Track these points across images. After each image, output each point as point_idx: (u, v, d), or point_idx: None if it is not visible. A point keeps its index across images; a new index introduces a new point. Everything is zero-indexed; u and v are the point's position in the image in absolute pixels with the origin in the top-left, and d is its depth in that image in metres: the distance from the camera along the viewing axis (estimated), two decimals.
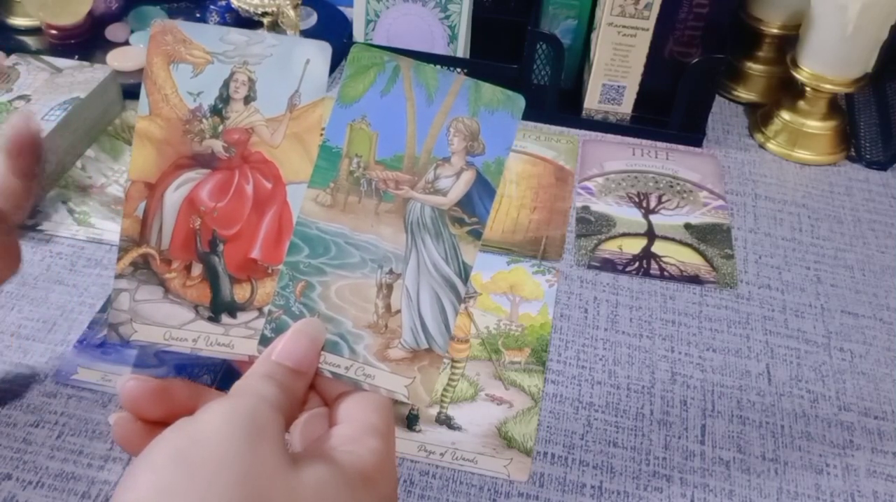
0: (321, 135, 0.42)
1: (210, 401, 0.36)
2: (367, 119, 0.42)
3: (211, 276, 0.43)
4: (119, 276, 0.43)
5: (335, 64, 0.87)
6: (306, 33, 0.97)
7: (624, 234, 0.75)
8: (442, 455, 0.57)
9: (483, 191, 0.42)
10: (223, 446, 0.33)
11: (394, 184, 0.42)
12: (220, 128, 0.42)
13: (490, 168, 0.42)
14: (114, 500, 0.33)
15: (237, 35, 0.42)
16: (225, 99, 0.42)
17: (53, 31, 0.93)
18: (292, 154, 0.42)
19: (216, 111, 0.42)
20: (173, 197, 0.42)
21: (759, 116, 0.90)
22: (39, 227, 0.72)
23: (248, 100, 0.42)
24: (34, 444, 0.56)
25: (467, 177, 0.42)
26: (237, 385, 0.38)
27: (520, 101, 0.42)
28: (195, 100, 0.42)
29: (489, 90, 0.42)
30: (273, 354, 0.39)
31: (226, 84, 0.42)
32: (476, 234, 0.42)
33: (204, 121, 0.42)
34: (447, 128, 0.42)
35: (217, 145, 0.42)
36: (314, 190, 0.41)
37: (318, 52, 0.43)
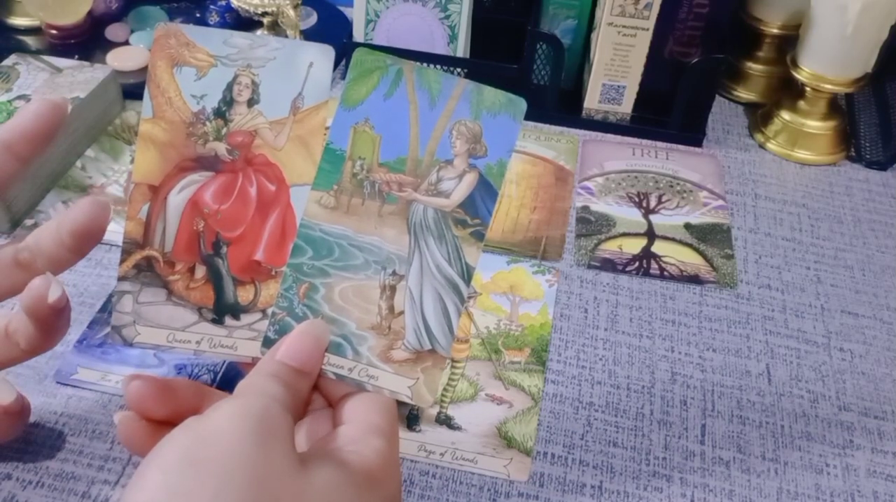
0: (324, 137, 0.42)
1: (217, 401, 0.36)
2: (370, 122, 0.42)
3: (214, 278, 0.43)
4: (122, 279, 0.43)
5: (335, 64, 0.87)
6: (306, 33, 0.97)
7: (624, 234, 0.76)
8: (442, 455, 0.57)
9: (485, 193, 0.42)
10: (234, 446, 0.33)
11: (397, 187, 0.42)
12: (224, 130, 0.42)
13: (492, 170, 0.42)
14: (123, 500, 0.33)
15: (241, 38, 0.42)
16: (228, 102, 0.42)
17: (53, 31, 0.93)
18: (296, 156, 0.43)
19: (220, 114, 0.42)
20: (177, 199, 0.42)
21: (759, 116, 0.90)
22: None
23: (251, 102, 0.42)
24: (34, 444, 0.56)
25: (470, 179, 0.42)
26: (243, 384, 0.38)
27: (521, 104, 0.42)
28: (199, 103, 0.42)
29: (491, 93, 0.42)
30: (278, 354, 0.39)
31: (229, 87, 0.42)
32: (478, 236, 0.42)
33: (207, 123, 0.42)
34: (450, 130, 0.42)
35: (220, 148, 0.43)
36: (318, 192, 0.42)
37: (322, 55, 0.43)
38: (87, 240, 0.45)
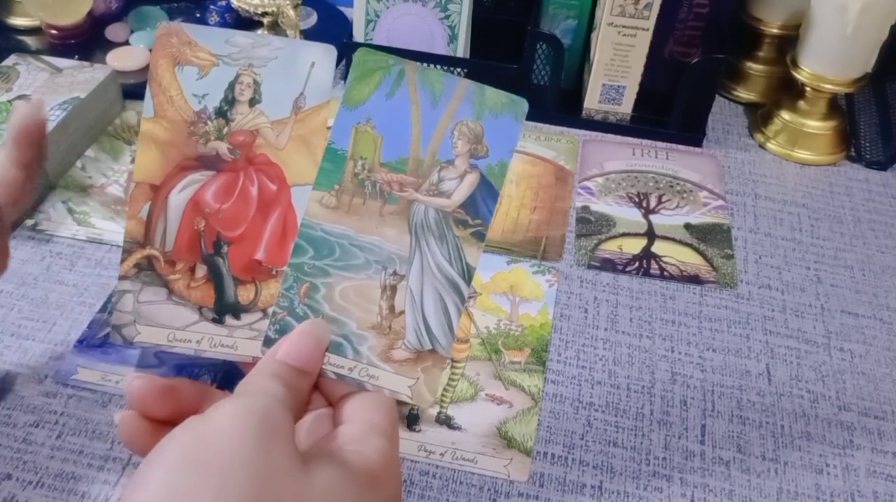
0: (326, 137, 0.42)
1: (218, 400, 0.36)
2: (372, 121, 0.42)
3: (215, 278, 0.43)
4: (123, 278, 0.43)
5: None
6: (306, 33, 0.97)
7: (624, 234, 0.76)
8: (442, 455, 0.57)
9: (486, 193, 0.42)
10: (235, 445, 0.33)
11: (398, 187, 0.42)
12: (225, 130, 0.42)
13: (493, 170, 0.42)
14: (124, 500, 0.33)
15: (242, 37, 0.42)
16: (230, 101, 0.42)
17: (53, 31, 0.93)
18: (297, 156, 0.43)
19: (221, 113, 0.42)
20: (178, 198, 0.42)
21: (759, 116, 0.90)
22: (39, 227, 0.72)
23: (253, 102, 0.42)
24: (34, 444, 0.56)
25: (471, 179, 0.42)
26: (244, 383, 0.38)
27: (523, 105, 0.42)
28: (200, 102, 0.42)
29: (493, 94, 0.42)
30: (278, 353, 0.39)
31: (231, 86, 0.42)
32: (479, 236, 0.42)
33: (209, 123, 0.42)
34: (451, 131, 0.42)
35: (222, 147, 0.43)
36: (319, 191, 0.42)
37: (324, 55, 0.43)
38: (29, 141, 0.48)
